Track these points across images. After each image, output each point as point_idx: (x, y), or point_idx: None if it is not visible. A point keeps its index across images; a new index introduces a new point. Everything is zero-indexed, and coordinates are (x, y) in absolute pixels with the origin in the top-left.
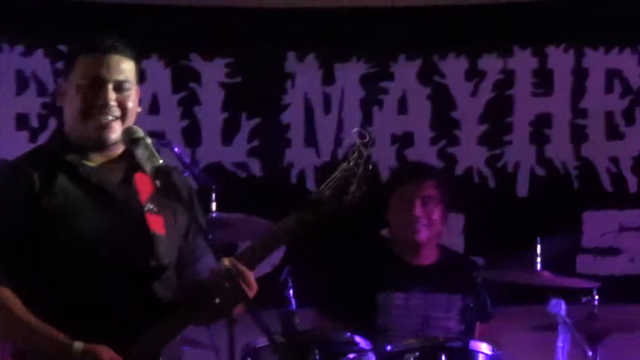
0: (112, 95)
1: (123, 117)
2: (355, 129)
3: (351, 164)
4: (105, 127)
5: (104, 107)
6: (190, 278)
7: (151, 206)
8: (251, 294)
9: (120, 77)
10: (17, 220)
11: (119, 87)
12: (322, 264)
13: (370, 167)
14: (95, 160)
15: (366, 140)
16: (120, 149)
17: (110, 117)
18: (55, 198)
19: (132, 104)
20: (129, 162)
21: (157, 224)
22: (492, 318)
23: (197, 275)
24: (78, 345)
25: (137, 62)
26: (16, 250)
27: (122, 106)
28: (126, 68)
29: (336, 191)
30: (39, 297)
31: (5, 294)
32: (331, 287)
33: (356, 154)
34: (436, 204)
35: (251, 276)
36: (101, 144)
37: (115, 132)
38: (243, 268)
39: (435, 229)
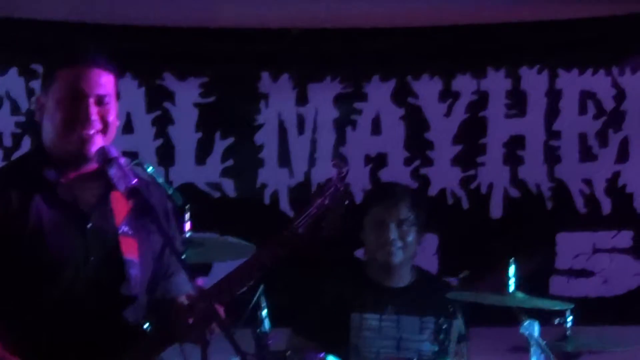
0: (93, 109)
1: (104, 130)
2: (332, 161)
3: (327, 200)
4: (87, 140)
5: (86, 120)
6: (163, 296)
7: (126, 229)
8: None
9: (101, 91)
10: None
11: (100, 101)
12: (296, 284)
13: (347, 202)
14: (71, 176)
15: (342, 174)
16: (95, 164)
17: (92, 131)
18: (30, 219)
19: (112, 117)
20: (105, 180)
21: (130, 249)
22: (466, 340)
23: (169, 293)
24: None
25: (117, 76)
26: None
27: (104, 120)
28: (106, 82)
29: (311, 227)
30: (6, 321)
31: None
32: (305, 307)
33: (332, 189)
34: (410, 225)
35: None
36: (82, 158)
37: (97, 145)
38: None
39: (410, 251)
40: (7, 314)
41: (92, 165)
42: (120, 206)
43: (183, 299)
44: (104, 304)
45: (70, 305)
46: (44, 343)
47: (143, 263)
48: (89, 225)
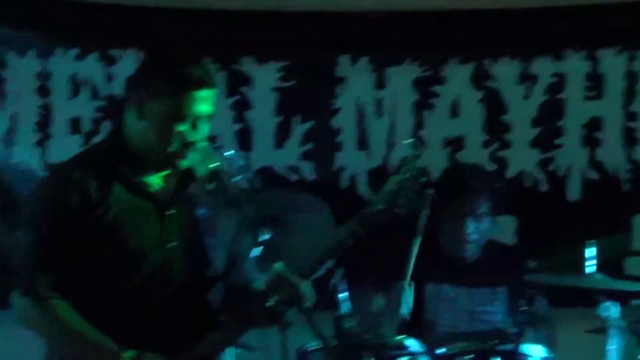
0: (200, 129)
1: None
2: (408, 141)
3: (404, 176)
4: (184, 157)
5: (193, 144)
6: (239, 278)
7: (204, 211)
8: (307, 302)
9: (211, 109)
10: (71, 232)
11: (207, 119)
12: (374, 265)
13: (424, 179)
14: (148, 172)
15: (418, 152)
16: None
17: (192, 149)
18: (111, 209)
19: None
20: (182, 171)
21: (210, 231)
22: (547, 320)
23: (245, 274)
24: (128, 353)
25: None
26: (71, 262)
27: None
28: (214, 98)
29: (389, 204)
30: (95, 307)
31: (53, 305)
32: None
33: (409, 166)
34: (486, 216)
35: (308, 287)
36: (171, 168)
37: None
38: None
39: (484, 238)
40: (95, 300)
41: None
42: (197, 190)
43: (259, 283)
44: (189, 287)
45: (155, 290)
46: (130, 327)
47: (221, 245)
48: (168, 212)
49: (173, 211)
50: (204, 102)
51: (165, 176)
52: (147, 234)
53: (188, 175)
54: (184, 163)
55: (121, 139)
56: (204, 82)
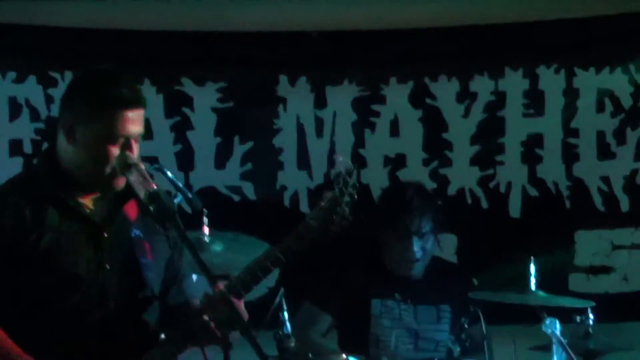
0: (133, 149)
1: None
2: (340, 158)
3: (337, 193)
4: (121, 178)
5: (130, 165)
6: (177, 298)
7: (138, 232)
8: (242, 321)
9: (140, 130)
10: (5, 257)
11: (137, 139)
12: (316, 285)
13: (356, 195)
14: (83, 195)
15: (350, 168)
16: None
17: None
18: (46, 234)
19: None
20: (116, 193)
21: (144, 252)
22: (487, 339)
23: (182, 295)
24: None
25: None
26: (4, 285)
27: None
28: (142, 118)
29: (323, 220)
30: (31, 330)
31: None
32: (325, 282)
33: (341, 182)
34: (431, 234)
35: (240, 304)
36: (109, 190)
37: (124, 179)
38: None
39: (429, 256)
40: (27, 324)
41: None
42: (131, 210)
43: (196, 301)
44: (125, 308)
45: (90, 312)
46: (65, 350)
47: (156, 265)
48: (102, 234)
49: (107, 233)
50: (134, 122)
51: (100, 198)
52: (82, 256)
53: (122, 197)
54: (119, 185)
55: (54, 162)
56: (132, 103)
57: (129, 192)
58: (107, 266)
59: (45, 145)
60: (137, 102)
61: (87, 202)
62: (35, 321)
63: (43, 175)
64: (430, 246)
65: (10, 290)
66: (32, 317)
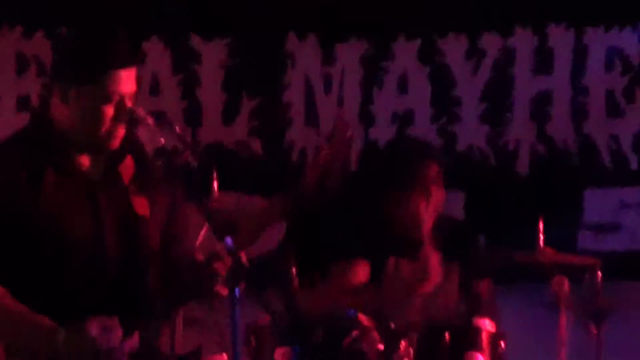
0: (125, 108)
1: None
2: (335, 113)
3: (334, 150)
4: (115, 137)
5: (118, 121)
6: (181, 254)
7: (134, 188)
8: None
9: (132, 88)
10: (3, 217)
11: (130, 97)
12: (324, 239)
13: (351, 149)
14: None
15: (345, 124)
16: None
17: (121, 128)
18: (43, 193)
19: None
20: (111, 152)
21: (142, 206)
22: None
23: (187, 251)
24: (65, 330)
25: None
26: (2, 246)
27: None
28: (135, 76)
29: (320, 178)
30: (30, 292)
31: None
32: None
33: (337, 137)
34: (438, 192)
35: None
36: (104, 150)
37: (120, 137)
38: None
39: (435, 214)
40: (26, 286)
41: None
42: (128, 168)
43: (200, 256)
44: (125, 265)
45: (91, 270)
46: (67, 309)
47: (155, 221)
48: (100, 192)
49: (104, 190)
50: (126, 81)
51: (95, 157)
52: (80, 214)
53: (119, 155)
54: (115, 144)
55: (48, 124)
56: (124, 61)
57: (125, 149)
58: (106, 223)
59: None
60: (129, 60)
61: (83, 161)
62: (34, 282)
63: (38, 136)
64: (436, 205)
65: (7, 253)
66: (32, 279)
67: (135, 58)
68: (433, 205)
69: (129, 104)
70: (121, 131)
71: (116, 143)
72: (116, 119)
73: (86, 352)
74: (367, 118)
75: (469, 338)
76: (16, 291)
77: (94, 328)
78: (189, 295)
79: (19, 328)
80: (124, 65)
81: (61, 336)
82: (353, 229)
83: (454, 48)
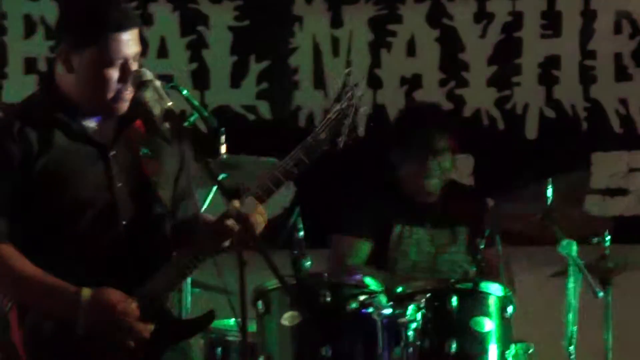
0: (130, 69)
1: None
2: (346, 70)
3: (344, 105)
4: (122, 99)
5: (124, 82)
6: (185, 214)
7: (146, 151)
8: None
9: (136, 49)
10: (14, 180)
11: (135, 58)
12: (332, 204)
13: (362, 108)
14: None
15: (357, 81)
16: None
17: (128, 90)
18: (54, 156)
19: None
20: (119, 115)
21: (152, 168)
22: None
23: (192, 209)
24: (86, 290)
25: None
26: (17, 210)
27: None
28: (138, 37)
29: (331, 132)
30: (42, 253)
31: (5, 250)
32: (354, 210)
33: (349, 94)
34: (447, 152)
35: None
36: (112, 113)
37: (127, 100)
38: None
39: (446, 176)
40: (44, 246)
41: None
42: (137, 130)
43: (209, 216)
44: (137, 227)
45: (104, 232)
46: (82, 271)
47: (166, 183)
48: (110, 154)
49: (115, 152)
50: (129, 44)
51: (104, 120)
52: (91, 177)
53: (127, 118)
54: (122, 108)
55: (55, 89)
56: (125, 24)
57: (134, 112)
58: (117, 184)
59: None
60: (129, 22)
61: (91, 124)
62: (48, 245)
63: (45, 102)
64: (447, 165)
65: (21, 216)
66: (46, 242)
67: (135, 19)
68: (441, 172)
69: (133, 65)
70: (128, 95)
71: (124, 106)
72: (121, 82)
73: (106, 315)
74: (375, 81)
75: (476, 302)
76: (31, 255)
77: (114, 294)
78: (199, 254)
79: (39, 290)
80: (124, 27)
81: (83, 297)
82: (361, 195)
83: (462, 11)
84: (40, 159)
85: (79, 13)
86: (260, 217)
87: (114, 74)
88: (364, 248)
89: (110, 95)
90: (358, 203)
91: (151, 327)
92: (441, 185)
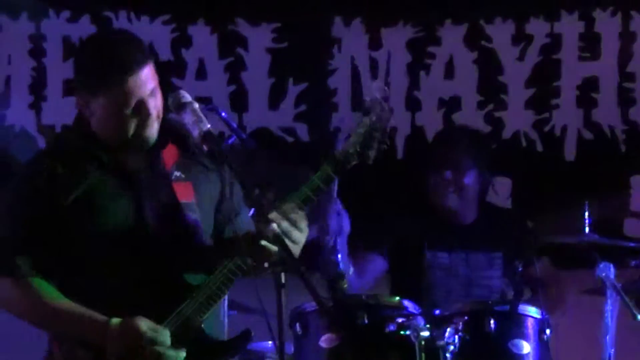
0: (150, 105)
1: (159, 115)
2: (375, 83)
3: (373, 118)
4: (148, 136)
5: (146, 119)
6: (232, 235)
7: (178, 174)
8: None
9: (152, 85)
10: (41, 217)
11: (152, 93)
12: (369, 228)
13: (391, 121)
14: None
15: (386, 95)
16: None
17: (151, 125)
18: (86, 189)
19: (160, 99)
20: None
21: (185, 193)
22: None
23: (238, 231)
24: (115, 320)
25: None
26: (49, 243)
27: (157, 107)
28: (153, 72)
29: (360, 146)
30: (77, 284)
31: (35, 284)
32: (379, 228)
33: (378, 108)
34: (468, 167)
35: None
36: (144, 146)
37: (155, 131)
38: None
39: (468, 193)
40: (76, 278)
41: None
42: (169, 154)
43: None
44: (167, 249)
45: (134, 258)
46: (112, 301)
47: (201, 206)
48: (141, 180)
49: (145, 178)
50: (143, 83)
51: (134, 151)
52: (121, 206)
53: (158, 144)
54: (149, 137)
55: (85, 125)
56: (135, 66)
57: (165, 138)
58: (146, 210)
59: None
60: (138, 63)
61: (122, 155)
62: (79, 276)
63: (76, 136)
64: (467, 181)
65: (55, 247)
66: (77, 272)
67: (144, 57)
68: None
69: (151, 102)
70: (154, 125)
71: (152, 135)
72: (139, 121)
73: (134, 344)
74: (413, 103)
75: (514, 324)
76: (62, 286)
77: (142, 323)
78: (233, 275)
79: (68, 322)
80: (134, 69)
81: (111, 326)
82: (390, 213)
83: (500, 33)
84: (71, 194)
85: (89, 60)
86: (298, 233)
87: (132, 115)
88: (380, 265)
89: (131, 132)
90: (388, 222)
91: (183, 353)
92: (462, 200)
